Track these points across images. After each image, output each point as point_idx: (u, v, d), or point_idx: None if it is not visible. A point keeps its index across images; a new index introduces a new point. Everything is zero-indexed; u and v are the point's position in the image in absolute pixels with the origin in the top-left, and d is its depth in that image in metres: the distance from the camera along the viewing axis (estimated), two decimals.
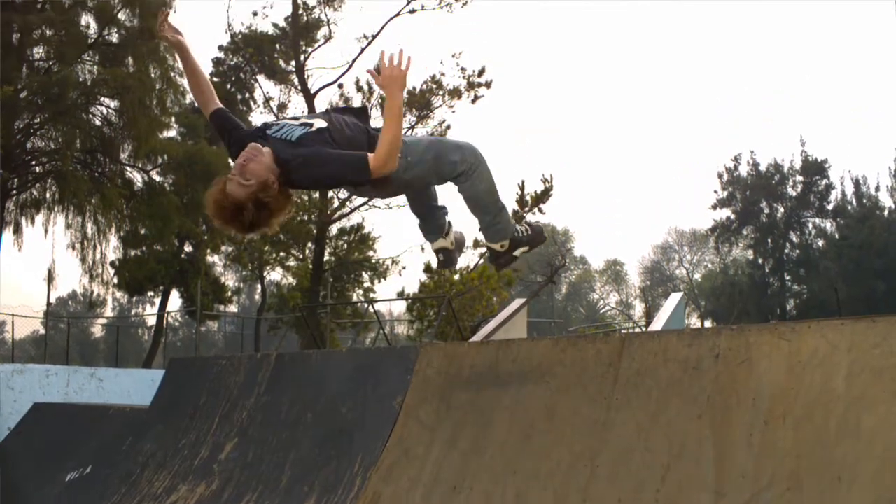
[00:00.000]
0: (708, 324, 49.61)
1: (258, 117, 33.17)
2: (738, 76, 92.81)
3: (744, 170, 52.45)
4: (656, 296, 57.15)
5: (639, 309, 64.41)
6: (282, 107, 23.69)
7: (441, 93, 21.55)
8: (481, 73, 21.55)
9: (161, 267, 28.58)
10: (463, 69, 21.41)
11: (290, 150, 3.27)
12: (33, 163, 25.21)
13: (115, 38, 25.60)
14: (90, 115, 25.12)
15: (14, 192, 25.02)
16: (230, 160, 3.56)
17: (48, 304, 26.08)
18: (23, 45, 23.78)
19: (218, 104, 3.59)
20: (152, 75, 25.61)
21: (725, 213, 52.53)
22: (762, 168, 51.86)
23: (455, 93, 21.49)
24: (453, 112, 22.19)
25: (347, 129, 3.49)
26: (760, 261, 51.81)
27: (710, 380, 4.05)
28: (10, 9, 23.52)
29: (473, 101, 21.79)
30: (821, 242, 51.00)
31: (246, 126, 3.57)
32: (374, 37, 21.54)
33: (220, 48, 33.63)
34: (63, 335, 31.40)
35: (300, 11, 22.25)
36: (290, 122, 3.45)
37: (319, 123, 3.40)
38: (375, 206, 22.69)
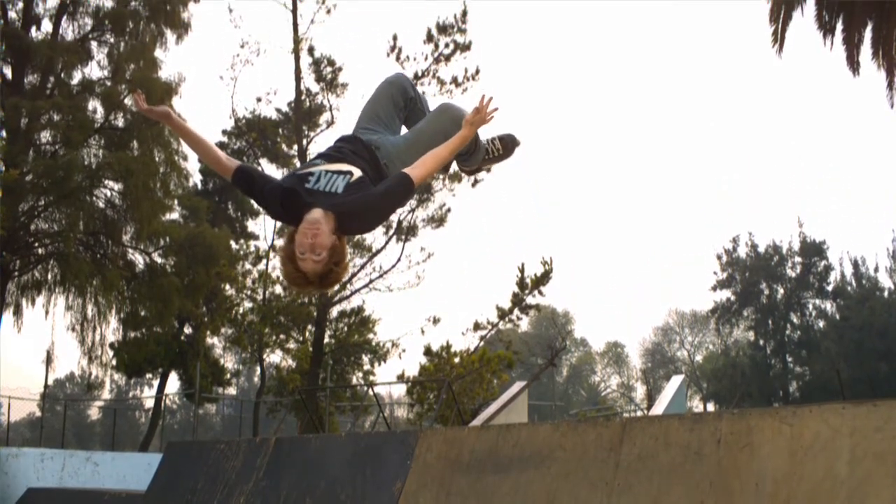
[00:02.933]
0: (710, 406, 49.13)
1: None
2: (734, 157, 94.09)
3: (743, 251, 52.68)
4: (658, 378, 56.76)
5: (640, 391, 63.88)
6: None
7: (442, 177, 21.82)
8: None
9: (160, 349, 28.49)
10: None
11: (339, 201, 3.29)
12: (36, 244, 25.38)
13: (120, 123, 26.06)
14: (94, 198, 25.40)
15: (16, 273, 25.12)
16: (267, 213, 3.60)
17: (45, 386, 25.89)
18: (30, 129, 24.20)
19: (234, 164, 3.54)
20: (156, 159, 25.98)
21: (725, 294, 52.55)
22: (761, 249, 52.10)
23: (455, 177, 21.76)
24: (453, 196, 22.44)
25: (369, 160, 3.57)
26: (762, 342, 51.61)
27: (713, 465, 4.02)
28: (18, 94, 24.02)
29: (473, 185, 22.06)
30: (822, 323, 50.87)
31: (270, 177, 3.51)
32: None
33: (224, 132, 34.25)
34: (59, 417, 31.09)
35: (303, 97, 22.69)
36: (325, 169, 3.43)
37: (356, 171, 3.42)
38: (376, 289, 22.75)
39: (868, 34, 14.89)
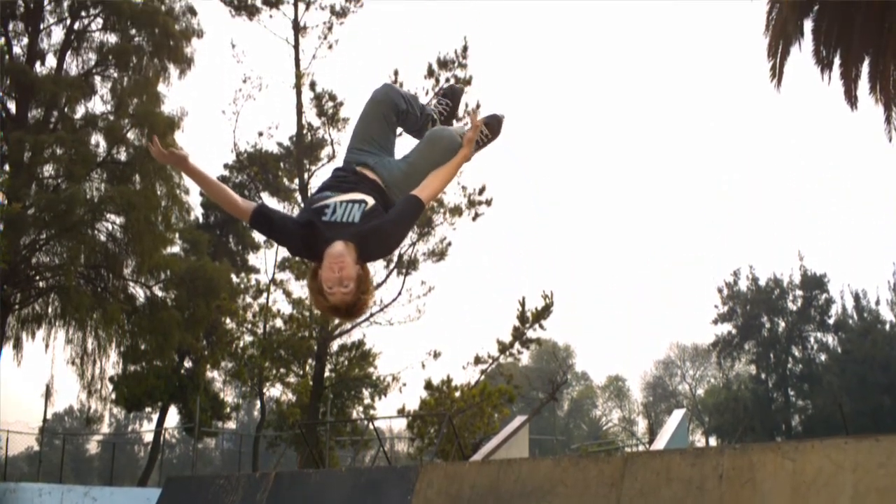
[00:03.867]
0: (712, 440, 48.83)
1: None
2: (735, 190, 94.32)
3: (743, 284, 52.66)
4: (659, 412, 56.48)
5: (642, 425, 63.47)
6: None
7: (442, 210, 21.86)
8: (482, 191, 21.93)
9: (160, 382, 28.39)
10: (464, 187, 21.81)
11: (358, 230, 3.39)
12: (37, 278, 25.39)
13: (123, 157, 26.21)
14: (95, 232, 25.47)
15: (16, 307, 25.11)
16: (288, 251, 3.68)
17: (44, 420, 25.76)
18: (33, 163, 24.31)
19: (251, 206, 3.59)
20: (158, 192, 26.09)
21: (727, 327, 52.46)
22: (762, 283, 52.09)
23: (456, 210, 21.81)
24: (454, 229, 22.47)
25: (375, 187, 3.67)
26: (763, 375, 51.44)
27: (715, 500, 3.99)
28: (22, 128, 24.18)
29: (474, 219, 22.08)
30: (823, 357, 50.71)
31: (287, 216, 3.61)
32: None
33: (226, 166, 34.40)
34: (58, 452, 30.89)
35: (304, 131, 22.82)
36: (339, 200, 3.50)
37: (370, 200, 3.52)
38: (376, 323, 22.70)
39: (865, 69, 15.02)
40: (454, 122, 4.37)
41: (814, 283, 50.68)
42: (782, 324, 51.23)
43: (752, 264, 56.53)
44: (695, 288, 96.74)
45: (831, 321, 50.17)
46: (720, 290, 52.89)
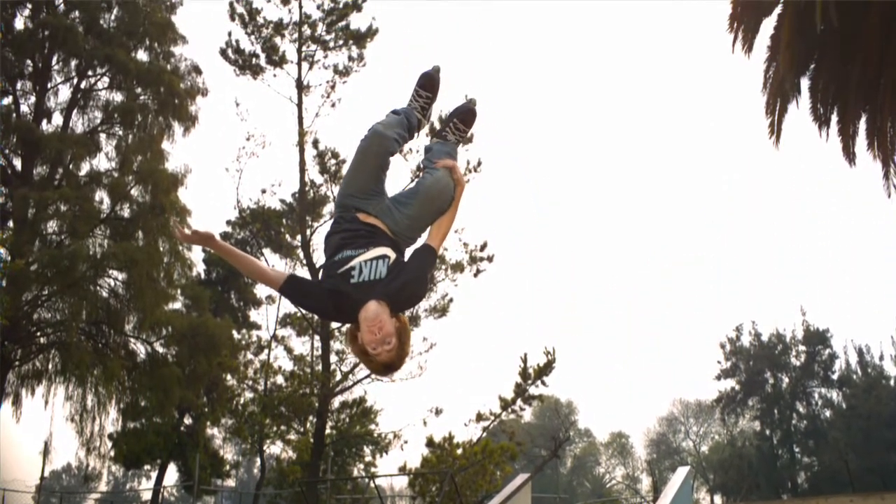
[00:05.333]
0: (717, 499, 48.20)
1: (263, 289, 33.57)
2: (737, 246, 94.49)
3: (746, 340, 52.52)
4: (663, 469, 55.78)
5: (646, 483, 62.58)
6: None
7: (444, 267, 21.91)
8: (483, 247, 22.00)
9: (160, 439, 28.17)
10: (465, 244, 21.89)
11: (385, 288, 3.53)
12: (38, 334, 25.33)
13: (126, 213, 26.34)
14: (98, 288, 25.47)
15: (16, 363, 25.00)
16: (318, 316, 3.88)
17: (42, 478, 25.49)
18: (37, 219, 24.42)
19: (282, 276, 3.73)
20: (161, 249, 26.15)
21: (730, 383, 52.22)
22: (764, 338, 51.93)
23: (458, 267, 21.85)
24: (456, 286, 22.48)
25: (387, 237, 3.83)
26: (768, 432, 51.02)
27: None
28: (27, 185, 24.35)
29: (476, 275, 22.11)
30: (828, 413, 50.37)
31: (315, 285, 3.72)
32: None
33: (229, 223, 34.57)
34: None
35: (307, 188, 22.98)
36: (363, 260, 3.61)
37: (390, 252, 3.67)
38: (378, 380, 22.57)
39: (862, 126, 15.17)
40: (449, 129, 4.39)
41: (817, 339, 50.54)
42: (786, 379, 50.99)
43: (754, 319, 56.50)
44: (697, 343, 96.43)
45: (835, 376, 49.94)
46: (723, 346, 52.78)
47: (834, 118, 15.13)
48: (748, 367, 50.88)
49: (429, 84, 4.33)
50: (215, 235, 3.84)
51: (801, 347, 50.69)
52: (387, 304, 3.44)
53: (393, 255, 3.65)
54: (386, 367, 3.49)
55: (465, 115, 4.32)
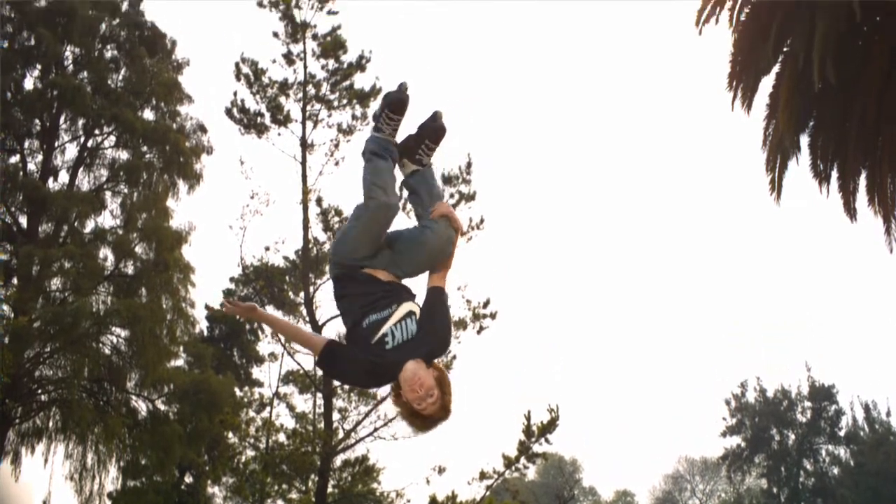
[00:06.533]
0: None
1: (266, 347, 33.48)
2: (740, 302, 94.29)
3: (751, 396, 52.15)
4: None
5: None
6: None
7: None
8: (486, 304, 22.01)
9: (160, 498, 27.74)
10: (468, 301, 21.89)
11: (420, 345, 3.66)
12: (39, 391, 25.19)
13: (130, 270, 26.40)
14: (100, 345, 25.41)
15: (17, 421, 24.83)
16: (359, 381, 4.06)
17: None
18: (41, 276, 24.49)
19: (323, 341, 3.82)
20: (164, 306, 26.16)
21: (736, 440, 51.69)
22: (769, 394, 51.56)
23: (461, 324, 21.83)
24: (458, 343, 22.42)
25: (401, 286, 3.98)
26: (775, 490, 50.33)
27: None
28: (32, 243, 24.48)
29: (479, 332, 22.06)
30: (836, 470, 49.73)
31: (352, 354, 3.76)
32: None
33: (232, 279, 34.58)
34: None
35: (311, 246, 23.09)
36: (393, 324, 3.70)
37: (414, 307, 3.78)
38: (381, 438, 22.41)
39: (862, 182, 15.29)
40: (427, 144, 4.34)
41: (822, 395, 50.17)
42: (792, 436, 50.48)
43: (759, 375, 55.99)
44: (702, 400, 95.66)
45: (842, 433, 49.45)
46: (728, 402, 52.37)
47: (834, 174, 15.25)
48: (754, 424, 50.43)
49: (399, 107, 4.22)
50: (256, 306, 3.96)
51: (807, 403, 50.33)
52: (423, 359, 3.55)
53: (417, 309, 3.74)
54: (435, 419, 3.61)
55: (435, 134, 4.23)
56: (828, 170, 15.21)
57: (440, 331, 3.69)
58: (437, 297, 3.79)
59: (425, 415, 3.57)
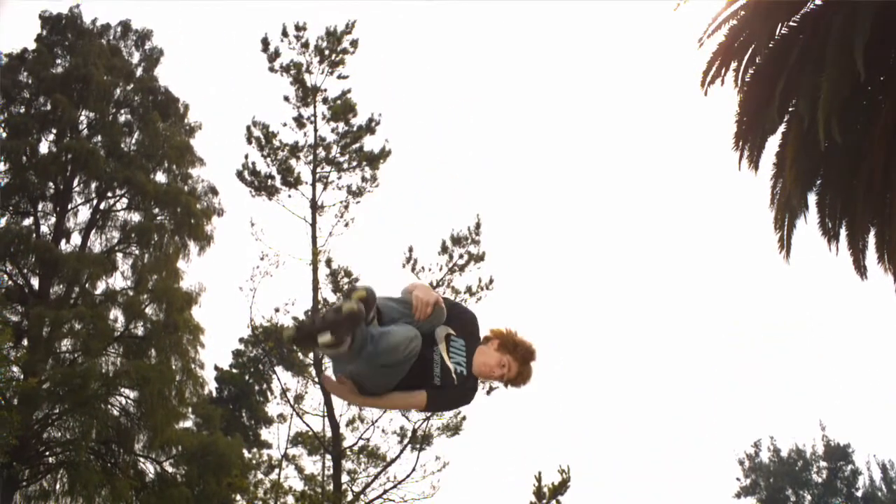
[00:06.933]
0: None
1: (275, 408, 33.30)
2: (751, 361, 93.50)
3: (765, 455, 51.36)
4: None
5: None
6: (298, 398, 23.88)
7: None
8: None
9: None
10: None
11: (470, 341, 4.19)
12: (47, 453, 25.05)
13: (140, 331, 26.45)
14: (109, 406, 25.34)
15: (24, 483, 24.64)
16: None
17: None
18: (51, 338, 24.55)
19: (423, 395, 4.06)
20: (173, 367, 26.15)
21: (751, 501, 50.75)
22: (784, 454, 50.80)
23: None
24: (469, 404, 22.24)
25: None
26: None
27: None
28: (43, 304, 24.59)
29: (488, 393, 21.90)
30: None
31: (441, 391, 4.15)
32: None
33: (241, 340, 34.60)
34: None
35: (320, 307, 23.10)
36: (446, 353, 4.08)
37: (446, 328, 4.15)
38: (390, 500, 22.13)
39: (872, 239, 15.29)
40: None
41: (838, 454, 49.41)
42: (808, 497, 49.57)
43: (772, 434, 55.25)
44: (715, 460, 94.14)
45: (859, 493, 48.53)
46: (741, 462, 51.59)
47: (843, 232, 15.25)
48: (768, 485, 49.62)
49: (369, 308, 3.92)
50: (353, 386, 4.10)
51: (823, 463, 49.56)
52: (479, 347, 4.05)
53: (449, 327, 4.08)
54: (526, 368, 4.07)
55: (338, 324, 3.66)
56: (836, 227, 15.22)
57: (464, 311, 4.13)
58: (451, 303, 4.14)
59: (517, 376, 4.02)
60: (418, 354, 3.92)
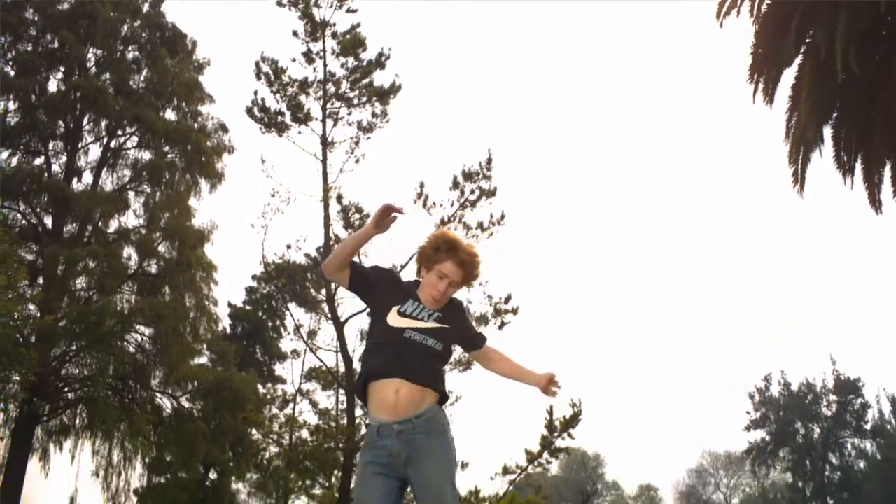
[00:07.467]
0: None
1: (288, 344, 33.64)
2: (764, 295, 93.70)
3: (775, 390, 51.74)
4: None
5: None
6: (311, 334, 24.06)
7: (470, 318, 21.85)
8: (508, 299, 21.92)
9: (185, 494, 28.03)
10: (489, 297, 21.83)
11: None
12: (66, 389, 25.49)
13: (153, 269, 26.64)
14: (125, 343, 25.67)
15: (44, 418, 25.14)
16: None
17: None
18: (66, 276, 24.76)
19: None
20: (187, 304, 26.39)
21: (760, 434, 51.33)
22: (794, 388, 51.14)
23: (482, 320, 21.76)
24: None
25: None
26: (800, 484, 49.93)
27: None
28: (57, 243, 24.74)
29: (500, 328, 21.99)
30: (862, 464, 49.27)
31: None
32: (403, 266, 22.18)
33: (254, 277, 34.80)
34: None
35: (331, 243, 23.10)
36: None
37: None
38: None
39: (888, 173, 15.14)
40: None
41: (848, 388, 49.72)
42: (817, 430, 50.06)
43: (783, 369, 55.54)
44: (726, 394, 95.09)
45: (868, 427, 48.97)
46: (752, 396, 52.05)
47: (858, 166, 15.11)
48: (778, 418, 50.07)
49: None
50: None
51: (833, 397, 49.88)
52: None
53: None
54: (470, 269, 3.67)
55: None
56: (852, 161, 15.07)
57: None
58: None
59: (465, 280, 3.68)
60: None
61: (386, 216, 3.54)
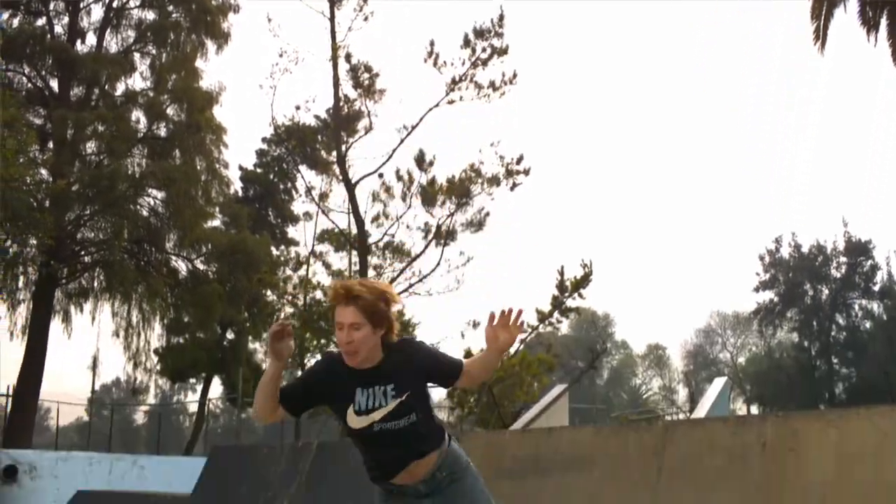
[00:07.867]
0: (754, 409, 48.44)
1: (300, 206, 33.77)
2: (777, 157, 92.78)
3: (786, 251, 51.85)
4: (700, 380, 56.07)
5: (682, 394, 63.10)
6: (323, 196, 24.07)
7: (480, 181, 21.78)
8: (519, 160, 21.78)
9: (203, 354, 28.85)
10: (501, 157, 21.68)
11: None
12: (82, 253, 25.86)
13: (163, 132, 26.49)
14: (138, 207, 25.83)
15: (63, 281, 25.61)
16: None
17: (92, 391, 26.32)
18: (76, 140, 24.68)
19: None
20: (198, 167, 26.37)
21: (768, 295, 51.73)
22: (804, 249, 51.22)
23: (494, 180, 21.71)
24: (492, 199, 22.37)
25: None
26: (806, 343, 50.75)
27: (758, 469, 3.97)
28: (65, 106, 24.51)
29: (512, 189, 21.96)
30: (868, 324, 49.90)
31: None
32: (413, 127, 21.98)
33: (264, 140, 34.57)
34: (106, 422, 31.58)
35: (341, 104, 22.79)
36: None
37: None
38: (416, 294, 22.78)
39: None
40: None
41: (858, 250, 49.75)
42: (825, 291, 50.45)
43: (794, 231, 55.59)
44: (736, 255, 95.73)
45: (876, 288, 49.28)
46: (762, 258, 52.16)
47: (883, 22, 14.60)
48: (787, 279, 50.36)
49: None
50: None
51: (843, 259, 49.95)
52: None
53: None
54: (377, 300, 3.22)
55: None
56: (877, 17, 14.56)
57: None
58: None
59: (356, 306, 3.11)
60: None
61: (279, 340, 3.18)
